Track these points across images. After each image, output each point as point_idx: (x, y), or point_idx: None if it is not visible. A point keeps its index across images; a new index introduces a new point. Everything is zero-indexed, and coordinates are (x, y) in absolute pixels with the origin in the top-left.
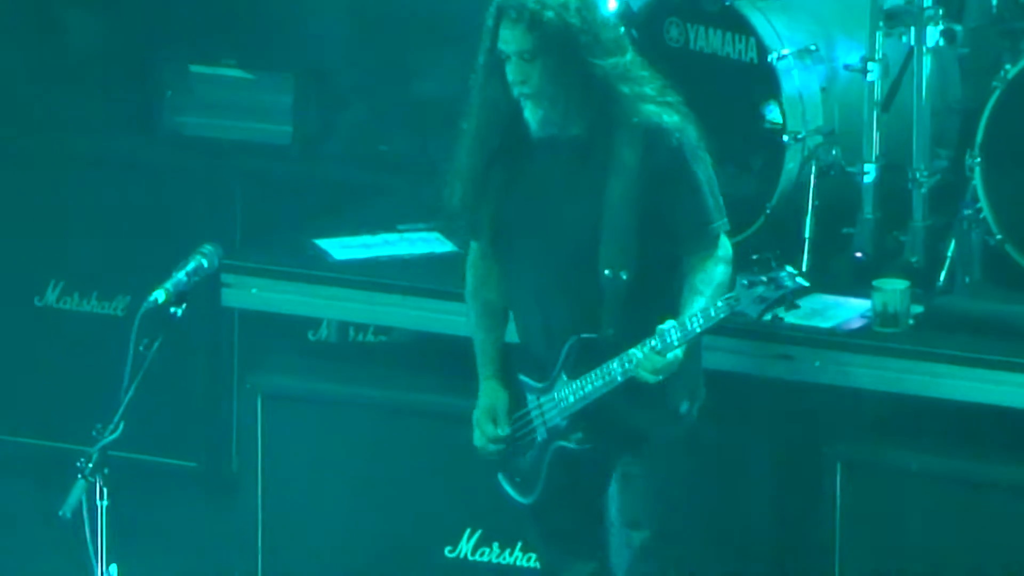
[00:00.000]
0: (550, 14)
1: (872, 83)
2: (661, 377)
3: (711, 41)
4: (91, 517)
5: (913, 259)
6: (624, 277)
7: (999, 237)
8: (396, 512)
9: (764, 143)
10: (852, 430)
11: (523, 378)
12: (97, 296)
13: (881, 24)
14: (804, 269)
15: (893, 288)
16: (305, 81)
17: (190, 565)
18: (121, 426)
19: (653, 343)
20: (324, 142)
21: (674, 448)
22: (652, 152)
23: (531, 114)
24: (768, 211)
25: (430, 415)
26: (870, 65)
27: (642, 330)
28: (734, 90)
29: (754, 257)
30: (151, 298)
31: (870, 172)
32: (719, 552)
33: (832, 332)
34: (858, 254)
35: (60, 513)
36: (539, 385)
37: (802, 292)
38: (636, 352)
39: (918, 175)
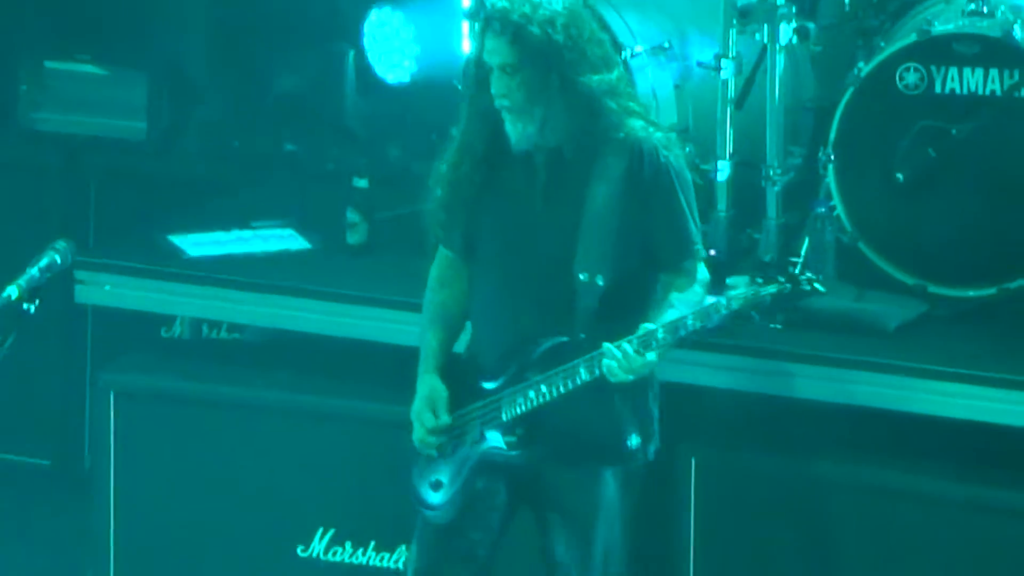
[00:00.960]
0: (534, 29)
1: (726, 80)
2: (631, 378)
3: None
4: None
5: (767, 257)
6: (600, 283)
7: (852, 235)
8: (249, 511)
9: None
10: (705, 430)
11: (468, 382)
12: None
13: (735, 21)
14: None
15: (738, 282)
16: (159, 77)
17: (42, 564)
18: None
19: (632, 342)
20: (178, 138)
21: (609, 484)
22: (638, 165)
23: (511, 127)
24: None
25: (283, 413)
26: (724, 62)
27: (613, 338)
28: None
29: (766, 259)
30: (3, 294)
31: (724, 169)
32: None
33: (689, 332)
34: (711, 251)
35: None
36: (484, 387)
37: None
38: (612, 349)
39: (772, 172)
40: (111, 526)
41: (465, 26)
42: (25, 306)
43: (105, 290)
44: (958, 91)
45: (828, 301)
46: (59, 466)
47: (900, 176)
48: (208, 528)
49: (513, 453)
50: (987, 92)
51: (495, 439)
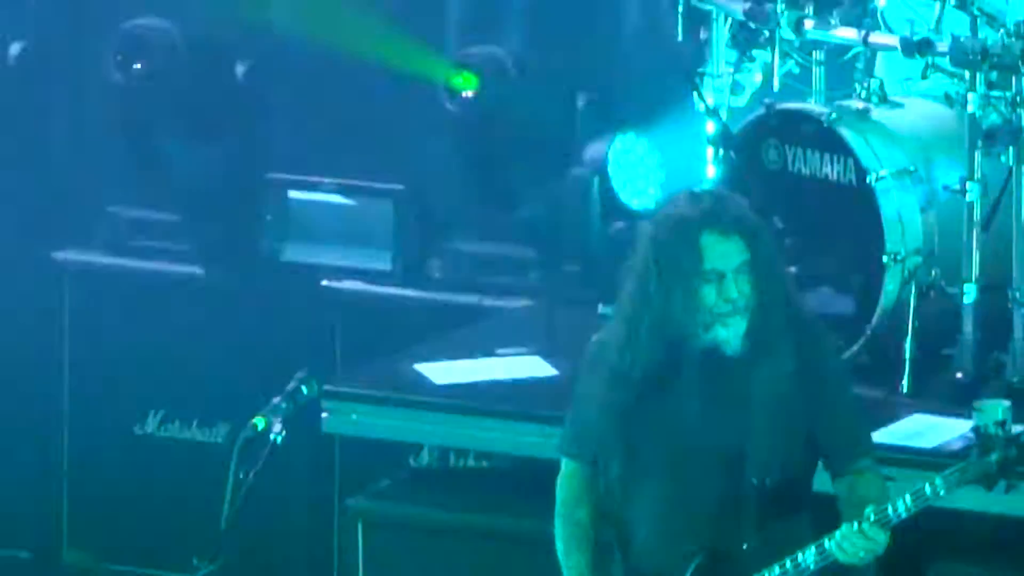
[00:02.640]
0: (752, 220)
1: (971, 203)
2: (865, 558)
3: (809, 162)
4: None
5: (1015, 379)
6: (769, 484)
7: None
8: None
9: (864, 263)
10: (956, 554)
11: None
12: (197, 423)
13: (980, 144)
14: (905, 390)
15: (995, 408)
16: (405, 207)
17: None
18: (221, 557)
19: (869, 518)
20: (424, 267)
21: None
22: (809, 375)
23: (734, 331)
24: (868, 332)
25: (533, 542)
26: (969, 185)
27: (776, 543)
28: (833, 211)
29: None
30: (251, 424)
31: (970, 293)
32: None
33: (934, 453)
34: (959, 375)
35: None
36: None
37: None
38: (852, 531)
39: (1019, 295)
40: None
41: (710, 152)
42: (273, 436)
43: (352, 419)
44: None
45: None
46: None
47: None
48: None
49: None
50: None
51: None
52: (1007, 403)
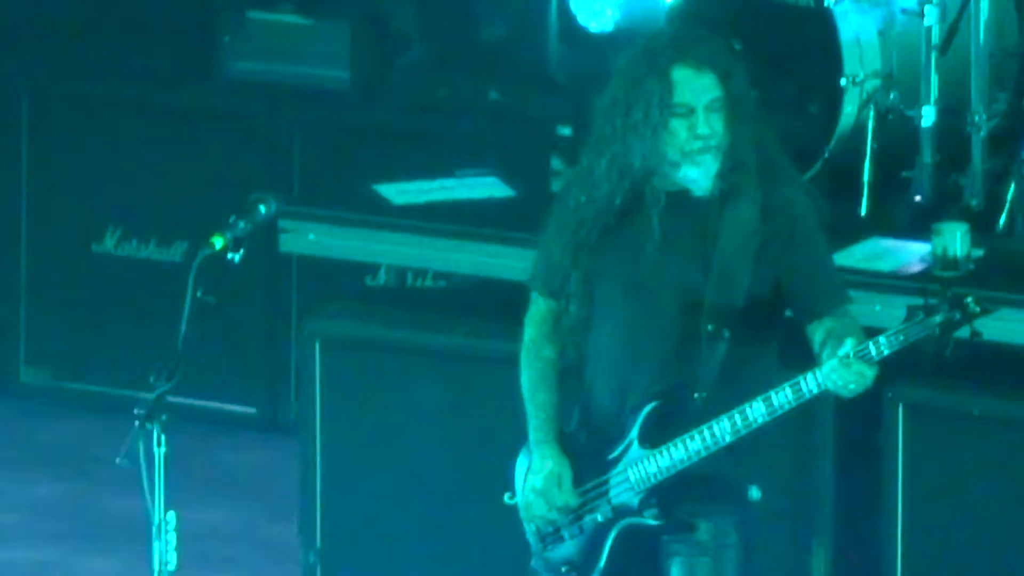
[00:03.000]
0: (730, 58)
1: (930, 27)
2: (862, 390)
3: None
4: (148, 464)
5: (973, 202)
6: (726, 335)
7: None
8: (456, 458)
9: (821, 87)
10: (912, 374)
11: (586, 450)
12: (155, 242)
13: None
14: (863, 213)
15: (953, 231)
16: (363, 26)
17: (250, 511)
18: (179, 373)
19: (852, 351)
20: (382, 87)
21: (732, 534)
22: (777, 220)
23: (704, 170)
24: (826, 156)
25: (490, 361)
26: (927, 8)
27: (732, 397)
28: (791, 35)
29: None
30: (208, 244)
31: (928, 115)
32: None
33: (892, 275)
34: (917, 198)
35: (118, 461)
36: (607, 458)
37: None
38: (805, 380)
39: (977, 118)
40: (318, 474)
41: None
42: (230, 256)
43: (309, 239)
44: None
45: None
46: (266, 414)
47: None
48: (415, 475)
49: (654, 523)
50: None
51: (631, 511)
52: (965, 226)
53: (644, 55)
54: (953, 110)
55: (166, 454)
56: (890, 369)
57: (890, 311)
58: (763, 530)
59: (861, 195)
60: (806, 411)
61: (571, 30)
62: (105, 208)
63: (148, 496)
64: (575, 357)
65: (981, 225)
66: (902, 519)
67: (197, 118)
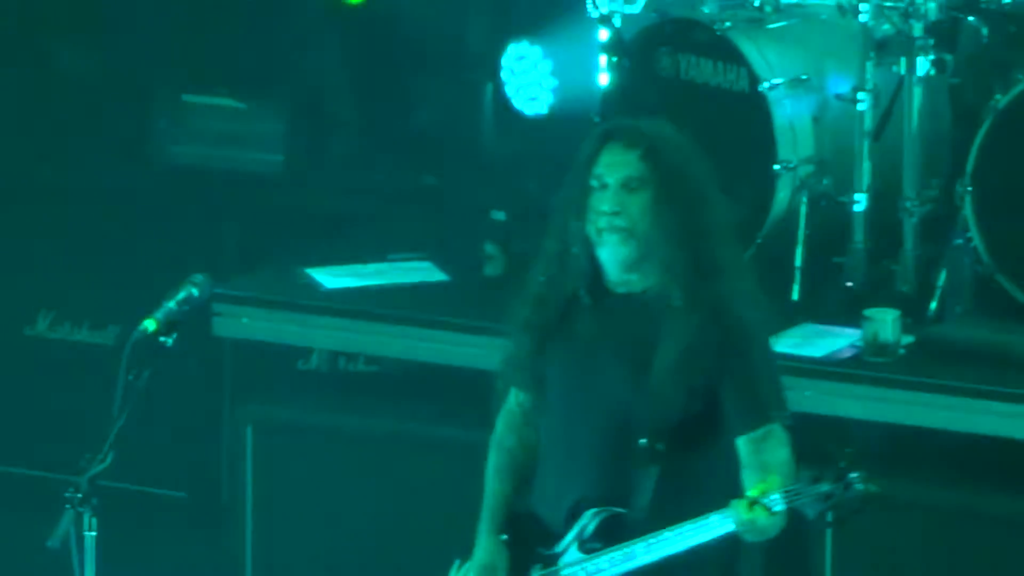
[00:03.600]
0: (670, 146)
1: (863, 113)
2: (772, 532)
3: (702, 70)
4: (79, 547)
5: (904, 288)
6: (660, 448)
7: (990, 266)
8: (386, 542)
9: (755, 172)
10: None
11: (530, 543)
12: (88, 326)
13: (872, 54)
14: (795, 298)
15: (884, 317)
16: (297, 110)
17: None
18: (110, 456)
19: (761, 495)
20: (315, 171)
21: None
22: (711, 332)
23: (611, 253)
24: (759, 240)
25: (421, 445)
26: (860, 95)
27: (673, 513)
28: (725, 119)
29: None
30: (141, 327)
31: (861, 201)
32: None
33: (823, 361)
34: (849, 283)
35: (49, 544)
36: (547, 553)
37: (870, 500)
38: (714, 519)
39: (909, 204)
40: (248, 559)
41: (603, 60)
42: (162, 339)
43: (243, 323)
44: None
45: (967, 332)
46: (196, 499)
47: None
48: (344, 560)
49: None
50: None
51: None
52: (896, 312)
53: (595, 133)
54: (886, 196)
55: (96, 537)
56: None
57: (820, 396)
58: None
59: (793, 280)
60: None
61: (506, 114)
62: (38, 292)
63: None
64: (533, 455)
65: (912, 311)
66: None
67: (132, 201)
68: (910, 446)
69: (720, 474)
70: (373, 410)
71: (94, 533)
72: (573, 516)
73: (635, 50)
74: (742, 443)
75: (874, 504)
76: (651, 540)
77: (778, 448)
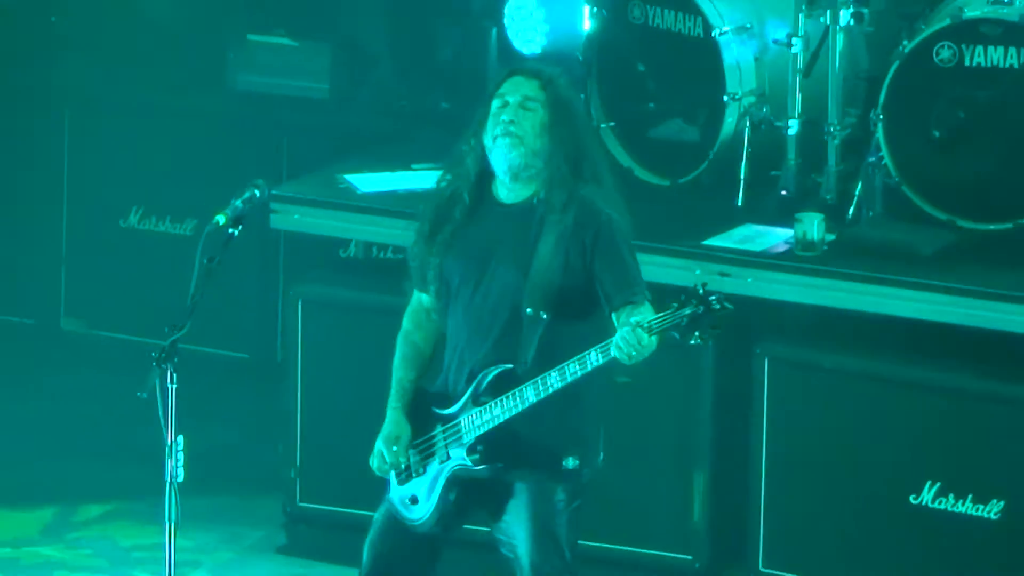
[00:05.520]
0: (563, 87)
1: (796, 55)
2: (642, 358)
3: (666, 19)
4: (163, 397)
5: (828, 196)
6: (544, 317)
7: (897, 180)
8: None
9: (708, 102)
10: (778, 334)
11: (434, 409)
12: (170, 219)
13: (804, 7)
14: (740, 203)
15: (811, 219)
16: (340, 47)
17: (242, 437)
18: (188, 324)
19: (638, 322)
20: (354, 98)
21: (554, 496)
22: (582, 227)
23: (502, 155)
24: (711, 157)
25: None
26: (794, 40)
27: (554, 364)
28: (685, 59)
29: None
30: (214, 221)
31: (793, 126)
32: (660, 437)
33: (761, 255)
34: (783, 192)
35: (139, 394)
36: (447, 412)
37: (727, 316)
38: (595, 353)
39: (832, 129)
40: (299, 406)
41: (586, 10)
42: (231, 231)
43: (294, 218)
44: (983, 65)
45: (878, 232)
46: (256, 359)
47: (936, 133)
48: (374, 405)
49: (477, 468)
50: (1006, 66)
51: (459, 457)
52: (821, 215)
53: (499, 75)
54: (813, 122)
55: (176, 389)
56: (759, 329)
57: (759, 283)
58: (656, 461)
59: (738, 189)
60: (690, 367)
61: (507, 52)
62: (131, 191)
63: (163, 423)
64: (439, 338)
65: (834, 215)
66: (766, 452)
67: (206, 120)
68: (832, 324)
69: (593, 336)
70: (398, 289)
71: (175, 386)
72: (468, 381)
73: (612, 2)
74: (616, 314)
75: (729, 321)
76: (539, 382)
77: (646, 313)
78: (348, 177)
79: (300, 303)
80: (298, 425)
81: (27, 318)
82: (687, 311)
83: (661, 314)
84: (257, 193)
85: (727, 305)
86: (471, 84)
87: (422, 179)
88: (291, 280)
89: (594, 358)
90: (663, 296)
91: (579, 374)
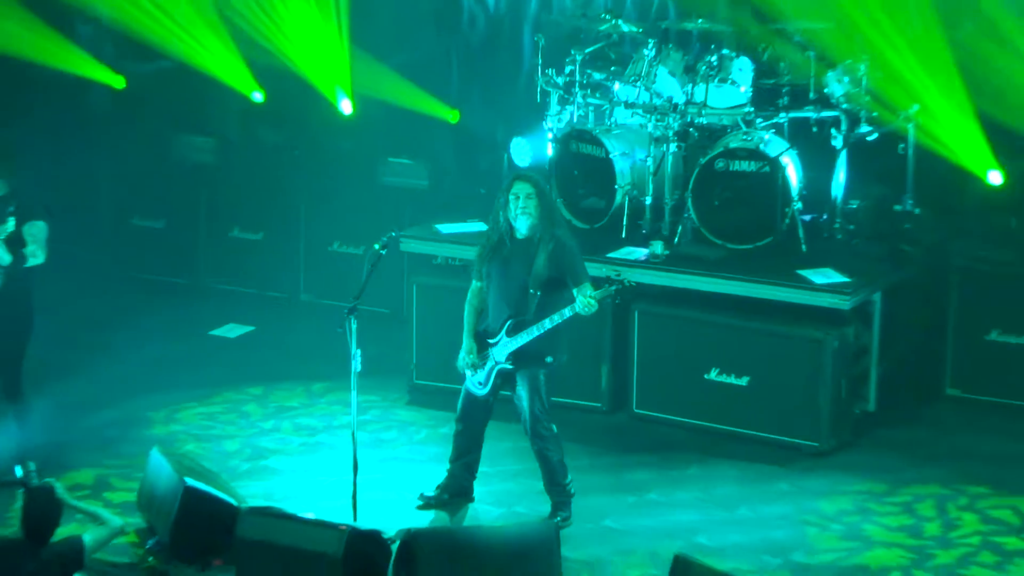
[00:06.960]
0: (543, 186)
1: (647, 166)
2: (593, 310)
3: (586, 148)
4: (349, 332)
5: (665, 232)
6: (538, 294)
7: (698, 224)
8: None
9: (607, 189)
10: (643, 299)
11: (486, 340)
12: (351, 245)
13: (652, 144)
14: (623, 236)
15: (657, 243)
16: (430, 161)
17: (389, 349)
18: (361, 296)
19: (595, 295)
20: (439, 188)
21: (540, 376)
22: (557, 247)
23: (522, 223)
24: (609, 214)
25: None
26: (648, 159)
27: (544, 316)
28: (597, 169)
29: (612, 275)
30: (374, 246)
31: (647, 198)
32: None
33: (635, 261)
34: (643, 231)
35: (337, 329)
36: (493, 341)
37: (631, 290)
38: (586, 298)
39: (667, 200)
40: (414, 337)
41: (550, 147)
42: (382, 251)
43: (412, 244)
44: (738, 169)
45: (690, 249)
46: (393, 313)
47: (716, 202)
48: (457, 340)
49: (508, 366)
50: (750, 170)
51: (500, 361)
52: (662, 241)
53: (509, 180)
54: (657, 197)
55: (356, 328)
56: (634, 297)
57: (635, 274)
58: (585, 360)
59: (622, 230)
60: (600, 318)
61: (512, 164)
62: (337, 228)
63: (350, 344)
64: (485, 305)
65: (668, 241)
66: (637, 356)
67: (371, 198)
68: (671, 295)
69: (563, 302)
70: (464, 279)
71: (356, 324)
72: (502, 327)
73: (562, 140)
74: (577, 290)
75: (630, 293)
76: (537, 326)
77: (590, 289)
78: (436, 225)
79: (415, 286)
80: (414, 345)
81: (281, 293)
82: (613, 288)
83: (599, 290)
84: (393, 234)
85: (631, 284)
86: (496, 181)
87: (470, 227)
88: (410, 274)
89: (567, 312)
90: (594, 281)
91: (557, 320)
